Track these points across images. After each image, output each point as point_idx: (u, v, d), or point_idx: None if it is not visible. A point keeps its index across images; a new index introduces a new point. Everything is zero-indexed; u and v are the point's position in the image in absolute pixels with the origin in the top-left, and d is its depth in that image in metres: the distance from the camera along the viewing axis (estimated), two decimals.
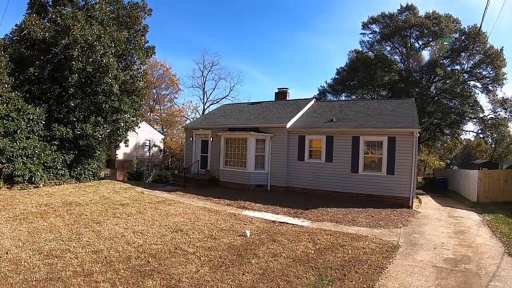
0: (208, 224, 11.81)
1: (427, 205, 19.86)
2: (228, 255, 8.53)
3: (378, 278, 7.25)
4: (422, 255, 8.95)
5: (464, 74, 42.72)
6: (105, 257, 8.03)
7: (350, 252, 9.05)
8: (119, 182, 23.01)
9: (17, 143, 17.26)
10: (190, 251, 8.72)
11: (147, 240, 9.62)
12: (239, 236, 10.48)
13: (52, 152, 19.10)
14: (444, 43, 41.92)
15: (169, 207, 14.77)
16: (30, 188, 17.50)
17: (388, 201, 17.24)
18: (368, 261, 8.33)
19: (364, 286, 6.85)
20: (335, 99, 49.78)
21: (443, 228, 12.64)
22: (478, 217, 15.26)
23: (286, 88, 28.87)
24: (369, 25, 48.54)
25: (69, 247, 8.64)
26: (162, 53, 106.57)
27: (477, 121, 44.81)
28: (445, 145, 56.39)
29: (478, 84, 43.26)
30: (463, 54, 42.01)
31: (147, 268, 7.45)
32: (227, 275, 7.23)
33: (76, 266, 7.41)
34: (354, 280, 7.11)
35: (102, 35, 19.71)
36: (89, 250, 8.53)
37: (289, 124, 20.71)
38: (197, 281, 6.88)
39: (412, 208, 16.64)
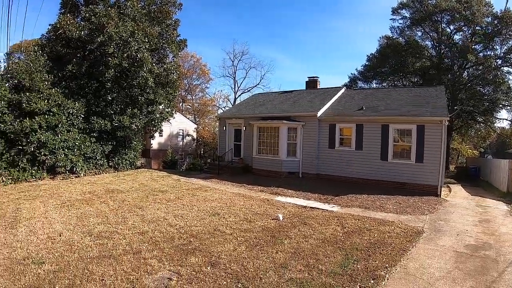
0: (243, 209, 12.41)
1: (456, 194, 19.79)
2: (263, 236, 9.11)
3: (400, 259, 7.69)
4: (444, 241, 9.24)
5: (497, 60, 41.48)
6: (151, 238, 8.74)
7: (376, 235, 9.48)
8: (156, 171, 23.88)
9: (58, 136, 18.12)
10: (227, 232, 9.35)
11: (187, 222, 10.30)
12: (272, 219, 11.04)
13: (91, 144, 19.99)
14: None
15: (205, 193, 15.41)
16: (72, 178, 18.40)
17: (416, 189, 17.33)
18: (393, 244, 8.74)
19: (386, 265, 7.30)
20: (366, 86, 49.30)
21: (469, 216, 12.74)
22: (506, 207, 15.16)
23: (317, 77, 28.90)
24: (398, 10, 46.88)
25: (116, 229, 9.39)
26: (192, 43, 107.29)
27: (511, 108, 43.76)
28: (479, 133, 55.10)
29: None
30: (496, 39, 40.81)
31: (190, 247, 8.11)
32: (262, 253, 7.83)
33: (125, 246, 8.13)
34: (377, 260, 7.58)
35: (136, 31, 20.36)
36: (135, 231, 9.25)
37: (319, 113, 20.97)
38: (235, 258, 7.51)
39: (440, 197, 16.68)
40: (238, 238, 8.92)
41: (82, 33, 19.57)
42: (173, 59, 25.21)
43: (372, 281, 6.52)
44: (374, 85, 49.01)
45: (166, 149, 37.54)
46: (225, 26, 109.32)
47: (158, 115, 23.21)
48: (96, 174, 20.12)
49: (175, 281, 6.32)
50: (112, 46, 19.54)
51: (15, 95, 17.51)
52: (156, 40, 22.22)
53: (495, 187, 23.37)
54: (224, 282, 6.34)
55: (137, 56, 20.16)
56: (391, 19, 48.39)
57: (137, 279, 6.36)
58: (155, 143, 36.79)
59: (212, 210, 12.02)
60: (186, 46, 25.79)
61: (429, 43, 46.58)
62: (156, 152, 37.24)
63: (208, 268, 6.95)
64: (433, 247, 8.68)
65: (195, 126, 48.87)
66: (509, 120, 47.57)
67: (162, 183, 17.87)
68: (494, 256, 8.16)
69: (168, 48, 24.02)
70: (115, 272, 6.67)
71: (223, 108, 59.16)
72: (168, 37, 24.00)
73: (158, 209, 12.05)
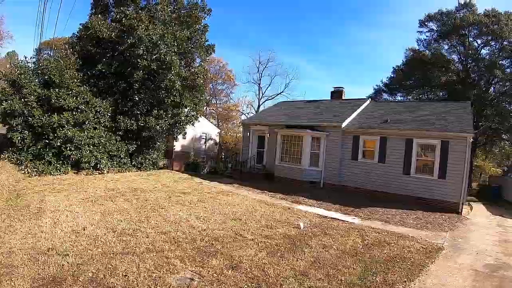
0: (265, 215, 12.47)
1: (477, 212, 19.53)
2: (284, 244, 9.16)
3: (419, 275, 7.71)
4: (463, 259, 9.20)
5: None
6: (173, 238, 8.87)
7: (395, 249, 9.47)
8: (178, 172, 24.06)
9: (85, 133, 18.38)
10: (249, 238, 9.44)
11: (209, 225, 10.41)
12: (293, 227, 11.08)
13: (116, 142, 20.23)
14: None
15: (227, 197, 15.51)
16: (96, 174, 18.64)
17: (437, 205, 17.10)
18: (412, 259, 8.74)
19: (405, 280, 7.32)
20: (390, 98, 48.96)
21: (489, 236, 12.62)
22: None
23: (342, 88, 28.68)
24: (426, 23, 46.51)
25: (139, 228, 9.54)
26: (218, 48, 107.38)
27: None
28: (503, 151, 54.17)
29: None
30: None
31: (211, 250, 8.21)
32: (282, 260, 7.91)
33: (148, 244, 8.27)
34: (396, 274, 7.60)
35: (165, 35, 20.54)
36: (158, 231, 9.39)
37: (344, 124, 20.92)
38: (256, 263, 7.58)
39: (461, 214, 16.48)
40: (259, 243, 8.99)
41: (112, 34, 19.96)
42: (201, 64, 25.46)
43: None
44: (399, 98, 48.57)
45: (188, 151, 37.83)
46: (252, 32, 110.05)
47: (183, 118, 23.38)
48: (119, 172, 20.36)
49: (197, 282, 6.43)
50: (141, 48, 19.77)
51: (44, 91, 17.85)
52: (184, 44, 22.43)
53: None
54: (245, 286, 6.43)
55: (166, 59, 20.36)
56: (418, 32, 47.87)
57: (159, 277, 6.49)
58: (177, 145, 37.04)
59: (233, 215, 12.13)
60: (214, 51, 25.98)
61: (456, 57, 45.81)
62: (178, 154, 37.52)
63: (230, 271, 7.03)
64: (452, 264, 8.65)
65: (218, 130, 48.97)
66: None
67: (184, 185, 18.04)
68: None
69: (196, 53, 24.26)
70: (138, 269, 6.80)
71: (246, 114, 59.39)
72: (197, 41, 24.22)
73: (180, 210, 12.18)
